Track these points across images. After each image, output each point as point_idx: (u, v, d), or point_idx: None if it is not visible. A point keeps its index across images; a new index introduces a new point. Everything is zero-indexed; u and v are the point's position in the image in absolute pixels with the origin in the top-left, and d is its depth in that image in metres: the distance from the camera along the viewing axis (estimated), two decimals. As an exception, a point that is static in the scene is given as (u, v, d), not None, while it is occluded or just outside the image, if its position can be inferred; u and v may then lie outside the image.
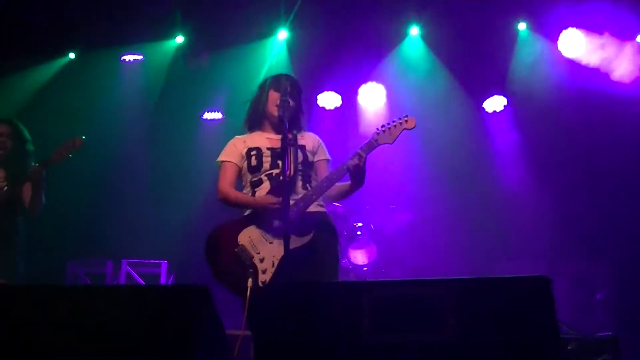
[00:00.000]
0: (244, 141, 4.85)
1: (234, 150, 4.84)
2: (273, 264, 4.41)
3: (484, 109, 9.20)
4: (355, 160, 4.42)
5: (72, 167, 5.86)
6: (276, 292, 3.39)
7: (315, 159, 4.82)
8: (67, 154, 5.29)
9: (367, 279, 8.23)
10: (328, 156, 4.89)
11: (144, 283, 8.85)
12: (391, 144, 4.51)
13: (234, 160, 4.80)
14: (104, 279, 8.95)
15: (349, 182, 4.68)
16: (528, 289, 3.15)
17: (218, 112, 9.80)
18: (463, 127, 8.97)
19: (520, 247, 8.59)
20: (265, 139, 4.80)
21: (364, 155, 4.44)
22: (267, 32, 9.02)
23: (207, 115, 9.83)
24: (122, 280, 8.87)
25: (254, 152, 4.75)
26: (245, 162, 4.77)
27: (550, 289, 3.13)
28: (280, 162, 4.61)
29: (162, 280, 8.82)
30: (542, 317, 3.08)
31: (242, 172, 4.81)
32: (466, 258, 8.40)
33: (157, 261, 8.97)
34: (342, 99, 9.47)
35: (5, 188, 5.51)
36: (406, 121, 4.52)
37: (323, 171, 4.76)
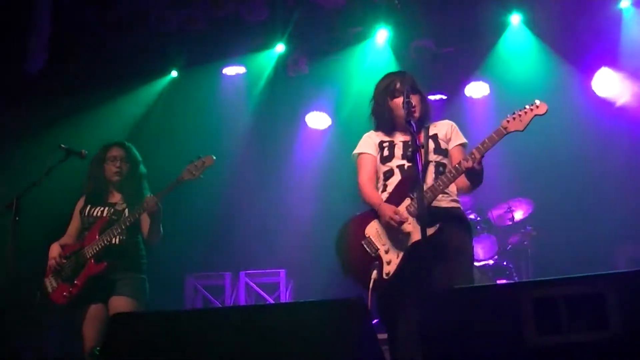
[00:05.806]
0: (377, 134, 4.85)
1: (369, 142, 4.84)
2: (398, 255, 4.39)
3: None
4: (469, 163, 4.28)
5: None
6: (434, 298, 3.30)
7: (450, 146, 4.73)
8: (199, 173, 5.26)
9: (488, 275, 8.09)
10: (463, 140, 4.75)
11: (263, 293, 8.91)
12: (522, 131, 4.27)
13: (370, 152, 4.79)
14: (222, 292, 9.06)
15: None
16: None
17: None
18: (579, 111, 8.65)
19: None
20: (398, 135, 4.77)
21: (478, 155, 4.27)
22: (366, 33, 8.93)
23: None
24: (242, 292, 8.95)
25: (386, 144, 4.75)
26: (379, 154, 4.76)
27: None
28: (410, 154, 4.51)
29: (282, 289, 8.85)
30: None
31: (377, 164, 4.78)
32: (587, 247, 8.13)
33: (275, 270, 9.01)
34: (447, 95, 9.32)
35: (127, 211, 5.51)
36: (537, 106, 4.27)
37: (460, 156, 4.56)
